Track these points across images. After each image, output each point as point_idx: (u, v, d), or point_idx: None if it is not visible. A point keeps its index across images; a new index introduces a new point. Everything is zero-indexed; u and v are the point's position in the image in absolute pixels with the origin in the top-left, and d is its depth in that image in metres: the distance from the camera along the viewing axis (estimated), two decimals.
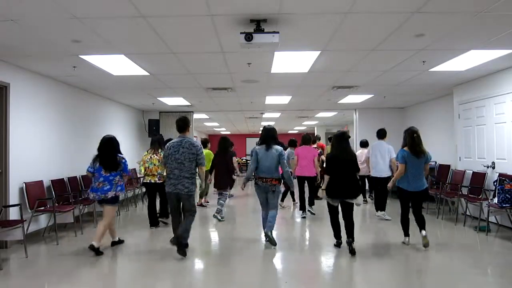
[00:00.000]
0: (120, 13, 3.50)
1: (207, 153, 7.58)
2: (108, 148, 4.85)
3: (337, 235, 4.82)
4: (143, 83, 6.85)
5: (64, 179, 6.35)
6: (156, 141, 6.32)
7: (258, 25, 3.69)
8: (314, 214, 6.97)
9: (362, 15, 3.64)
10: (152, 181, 6.09)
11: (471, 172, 6.63)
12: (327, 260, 4.50)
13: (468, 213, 6.41)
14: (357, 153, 7.01)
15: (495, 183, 5.69)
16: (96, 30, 3.95)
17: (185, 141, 4.58)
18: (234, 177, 7.10)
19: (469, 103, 6.87)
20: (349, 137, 5.03)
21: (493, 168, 6.17)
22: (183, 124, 4.69)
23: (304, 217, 6.78)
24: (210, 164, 7.08)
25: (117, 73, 5.93)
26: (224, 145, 6.94)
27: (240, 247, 5.00)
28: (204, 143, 8.48)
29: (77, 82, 6.66)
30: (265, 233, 4.94)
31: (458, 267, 4.19)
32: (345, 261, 4.36)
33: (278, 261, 4.50)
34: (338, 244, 4.81)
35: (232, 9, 3.48)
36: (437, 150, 8.72)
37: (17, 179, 5.25)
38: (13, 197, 5.16)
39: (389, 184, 5.13)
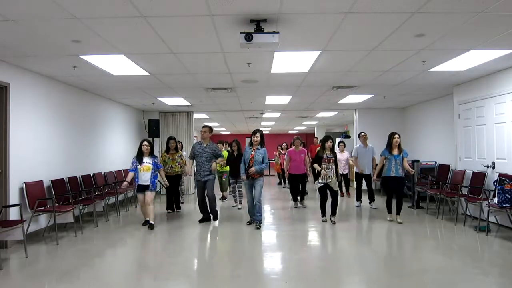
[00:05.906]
0: (120, 13, 3.50)
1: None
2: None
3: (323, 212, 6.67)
4: (143, 83, 6.86)
5: (64, 179, 6.35)
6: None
7: (258, 25, 3.69)
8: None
9: (362, 15, 3.64)
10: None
11: (471, 172, 6.64)
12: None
13: (468, 213, 6.41)
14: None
15: (495, 183, 5.69)
16: (96, 30, 3.95)
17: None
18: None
19: (469, 103, 6.88)
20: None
21: (493, 168, 6.17)
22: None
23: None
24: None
25: (117, 73, 5.93)
26: (239, 147, 8.74)
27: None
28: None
29: (77, 82, 6.67)
30: None
31: (458, 267, 4.19)
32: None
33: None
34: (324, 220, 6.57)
35: (232, 9, 3.47)
36: (437, 150, 8.74)
37: (17, 179, 5.25)
38: (13, 197, 5.17)
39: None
